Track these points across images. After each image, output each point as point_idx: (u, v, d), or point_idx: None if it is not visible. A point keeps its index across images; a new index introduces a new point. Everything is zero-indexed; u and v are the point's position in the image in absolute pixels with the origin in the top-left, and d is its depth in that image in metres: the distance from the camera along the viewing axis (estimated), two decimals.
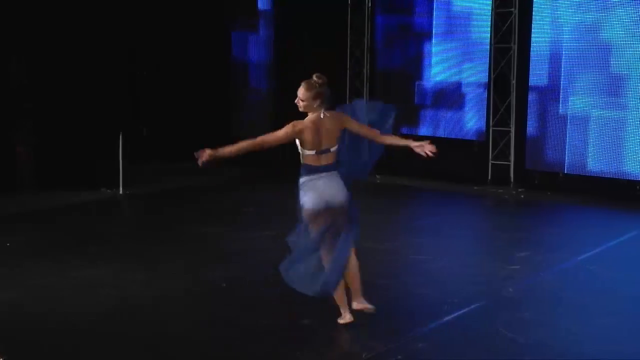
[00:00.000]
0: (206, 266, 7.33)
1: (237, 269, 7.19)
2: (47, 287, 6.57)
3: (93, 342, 5.36)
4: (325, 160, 5.24)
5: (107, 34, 11.33)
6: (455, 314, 5.88)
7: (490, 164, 11.95)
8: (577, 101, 11.10)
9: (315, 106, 5.17)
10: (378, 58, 13.22)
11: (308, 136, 5.16)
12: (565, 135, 11.19)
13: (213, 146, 5.24)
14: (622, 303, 6.31)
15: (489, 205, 11.06)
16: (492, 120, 11.84)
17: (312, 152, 5.21)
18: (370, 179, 12.46)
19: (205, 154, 5.14)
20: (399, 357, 5.04)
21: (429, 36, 12.47)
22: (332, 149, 5.25)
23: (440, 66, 12.47)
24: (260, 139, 5.22)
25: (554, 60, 11.26)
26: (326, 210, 5.24)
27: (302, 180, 5.31)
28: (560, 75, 11.22)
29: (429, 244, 8.44)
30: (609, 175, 10.85)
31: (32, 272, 7.02)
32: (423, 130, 12.60)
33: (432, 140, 13.47)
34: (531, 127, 11.59)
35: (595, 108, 10.92)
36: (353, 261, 5.52)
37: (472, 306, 6.06)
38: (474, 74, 12.11)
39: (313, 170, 5.25)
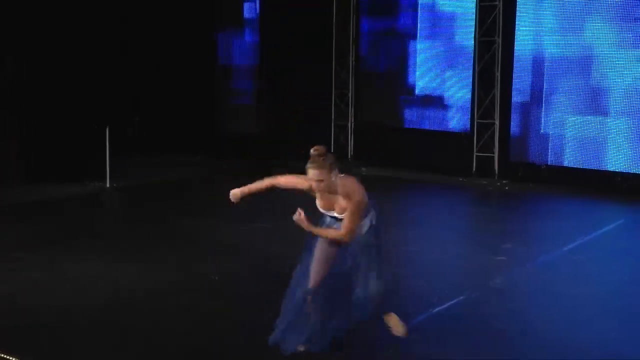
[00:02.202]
0: (198, 259, 7.32)
1: (228, 262, 7.19)
2: (39, 280, 6.57)
3: (87, 335, 5.35)
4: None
5: (95, 30, 11.31)
6: (445, 305, 5.94)
7: (475, 156, 12.05)
8: (560, 94, 11.21)
9: (334, 179, 4.73)
10: (363, 59, 13.31)
11: (319, 201, 4.92)
12: (549, 127, 11.31)
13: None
14: (606, 292, 6.41)
15: (474, 197, 11.16)
16: (477, 113, 11.93)
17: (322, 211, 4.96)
18: (356, 172, 12.55)
19: (236, 194, 5.15)
20: (391, 348, 5.11)
21: (414, 35, 12.54)
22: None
23: (425, 64, 12.54)
24: (275, 180, 5.14)
25: (538, 53, 11.35)
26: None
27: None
28: (543, 68, 11.32)
29: (416, 235, 8.50)
30: (591, 167, 10.98)
31: (23, 265, 7.00)
32: (409, 124, 12.68)
33: (418, 133, 13.71)
34: (515, 120, 11.70)
35: (577, 101, 11.03)
36: None
37: (461, 297, 6.13)
38: (459, 67, 12.19)
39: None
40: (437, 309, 5.87)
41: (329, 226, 4.90)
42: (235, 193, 5.14)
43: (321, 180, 4.69)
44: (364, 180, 4.88)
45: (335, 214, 4.83)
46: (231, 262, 7.21)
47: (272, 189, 5.11)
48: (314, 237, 4.95)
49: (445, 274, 6.99)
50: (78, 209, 9.76)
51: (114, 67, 12.49)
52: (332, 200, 4.82)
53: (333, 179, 4.70)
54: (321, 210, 4.92)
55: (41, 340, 5.24)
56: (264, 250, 7.63)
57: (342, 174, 4.80)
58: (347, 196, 4.73)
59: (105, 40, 11.79)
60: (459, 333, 5.40)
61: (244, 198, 5.12)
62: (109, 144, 10.71)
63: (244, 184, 5.24)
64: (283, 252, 7.38)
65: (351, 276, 4.89)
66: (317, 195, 4.87)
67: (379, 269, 4.93)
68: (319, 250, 4.95)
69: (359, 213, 4.74)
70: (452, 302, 6.02)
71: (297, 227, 4.80)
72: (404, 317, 5.66)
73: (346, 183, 4.77)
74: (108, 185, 10.82)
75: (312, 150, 4.75)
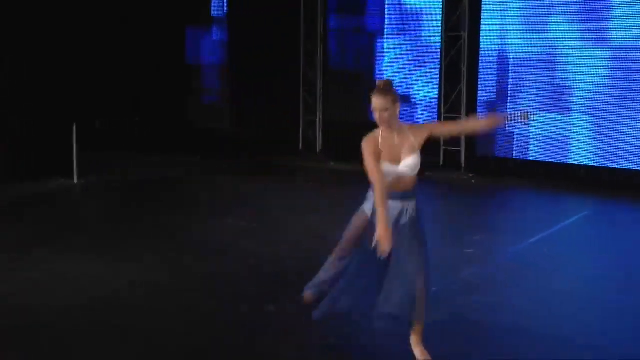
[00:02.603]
0: (178, 256, 7.31)
1: (215, 259, 7.21)
2: (17, 279, 6.47)
3: (71, 334, 5.31)
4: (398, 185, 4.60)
5: (62, 26, 11.18)
6: None
7: (442, 150, 12.18)
8: (525, 90, 11.38)
9: (397, 113, 4.52)
10: (331, 56, 13.38)
11: (384, 153, 4.56)
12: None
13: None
14: (572, 282, 6.55)
15: (442, 191, 11.27)
16: (444, 107, 12.06)
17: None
18: (325, 166, 12.63)
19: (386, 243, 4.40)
20: (364, 342, 5.16)
21: (381, 32, 12.63)
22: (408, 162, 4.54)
23: (392, 61, 12.63)
24: (377, 175, 4.51)
25: (503, 50, 11.51)
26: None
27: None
28: (509, 65, 11.48)
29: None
30: (556, 160, 11.17)
31: (22, 265, 6.90)
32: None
33: None
34: (482, 114, 11.84)
35: (542, 95, 11.21)
36: None
37: (433, 289, 6.19)
38: (426, 63, 12.30)
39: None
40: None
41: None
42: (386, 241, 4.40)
43: (386, 110, 4.46)
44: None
45: (400, 168, 4.48)
46: (210, 260, 7.19)
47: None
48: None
49: None
50: (47, 207, 9.64)
51: (83, 64, 12.37)
52: (397, 148, 4.50)
53: (397, 111, 4.49)
54: (386, 165, 4.48)
55: (27, 340, 5.16)
56: (249, 249, 7.63)
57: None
58: (416, 130, 4.57)
59: (73, 37, 11.64)
60: (432, 327, 5.44)
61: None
62: (75, 139, 10.64)
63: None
64: (274, 252, 7.45)
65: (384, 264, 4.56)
66: (382, 146, 4.50)
67: (420, 264, 4.64)
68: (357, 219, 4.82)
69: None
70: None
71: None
72: None
73: (410, 125, 4.64)
74: (76, 181, 10.74)
75: (378, 81, 4.64)
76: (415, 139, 4.51)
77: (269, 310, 5.78)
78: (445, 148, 12.14)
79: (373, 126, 4.70)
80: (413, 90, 12.46)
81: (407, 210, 4.62)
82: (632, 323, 5.64)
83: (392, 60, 12.59)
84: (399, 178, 4.53)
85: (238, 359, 5.00)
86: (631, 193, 10.27)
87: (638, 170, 10.50)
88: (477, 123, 4.94)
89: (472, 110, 11.84)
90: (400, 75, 12.53)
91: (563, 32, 10.89)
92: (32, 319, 5.52)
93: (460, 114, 11.95)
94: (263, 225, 8.60)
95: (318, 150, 13.64)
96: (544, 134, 11.23)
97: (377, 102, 4.50)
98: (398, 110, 4.51)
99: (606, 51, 10.58)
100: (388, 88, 4.52)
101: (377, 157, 4.51)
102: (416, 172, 4.54)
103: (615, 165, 10.66)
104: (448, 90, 11.97)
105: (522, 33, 11.28)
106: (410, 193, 4.61)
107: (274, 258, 7.32)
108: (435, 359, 4.81)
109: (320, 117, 13.57)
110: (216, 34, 14.38)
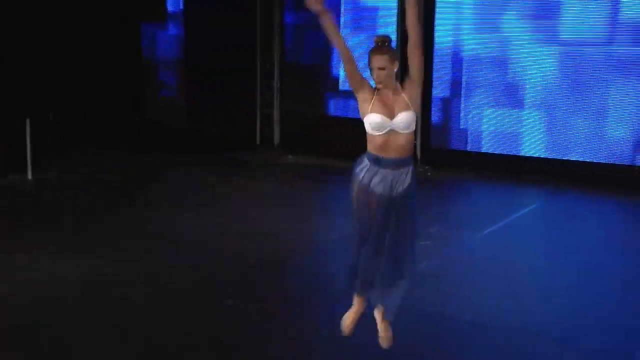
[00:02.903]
0: (137, 250, 7.31)
1: (169, 253, 7.21)
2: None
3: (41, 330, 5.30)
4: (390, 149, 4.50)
5: (15, 19, 11.01)
6: None
7: None
8: (478, 85, 11.55)
9: (395, 71, 4.45)
10: (287, 50, 13.41)
11: (376, 106, 4.48)
12: (468, 116, 11.65)
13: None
14: (526, 273, 6.72)
15: None
16: None
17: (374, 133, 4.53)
18: (283, 160, 12.66)
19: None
20: (325, 334, 5.22)
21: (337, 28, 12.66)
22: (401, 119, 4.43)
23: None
24: (349, 55, 4.52)
25: (457, 43, 11.65)
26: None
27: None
28: (462, 59, 11.62)
29: (342, 222, 8.62)
30: (509, 152, 11.37)
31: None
32: (334, 113, 12.83)
33: (343, 121, 13.80)
34: (436, 107, 11.99)
35: (495, 91, 11.40)
36: None
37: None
38: None
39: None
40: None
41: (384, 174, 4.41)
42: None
43: (383, 69, 4.38)
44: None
45: (394, 122, 4.37)
46: (168, 254, 7.19)
47: (339, 45, 4.57)
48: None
49: None
50: (2, 202, 9.51)
51: (37, 58, 12.16)
52: (391, 104, 4.42)
53: (395, 71, 4.41)
54: (377, 117, 4.40)
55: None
56: (207, 243, 7.64)
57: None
58: (403, 86, 4.46)
59: (27, 32, 11.46)
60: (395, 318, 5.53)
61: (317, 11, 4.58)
62: (29, 134, 10.50)
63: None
64: (232, 246, 7.47)
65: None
66: (375, 99, 4.44)
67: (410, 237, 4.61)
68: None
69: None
70: None
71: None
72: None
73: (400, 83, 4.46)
74: (30, 177, 10.59)
75: (375, 37, 4.49)
76: (409, 96, 4.42)
77: (227, 304, 5.82)
78: None
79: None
80: (370, 83, 12.51)
81: (400, 180, 4.46)
82: (583, 312, 5.80)
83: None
84: (392, 138, 4.38)
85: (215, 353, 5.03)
86: (582, 183, 10.53)
87: (587, 161, 10.76)
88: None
89: (426, 105, 11.96)
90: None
91: (515, 29, 11.06)
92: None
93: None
94: (220, 218, 8.61)
95: (275, 144, 13.65)
96: (498, 127, 11.41)
97: (375, 60, 4.40)
98: (396, 68, 4.43)
99: (556, 48, 10.79)
100: (387, 45, 4.43)
101: (360, 78, 4.50)
102: (411, 129, 4.41)
103: (566, 157, 10.91)
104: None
105: (475, 29, 11.43)
106: (405, 159, 4.47)
107: (232, 252, 7.34)
108: (388, 350, 4.88)
109: (278, 110, 13.59)
110: (172, 29, 14.28)
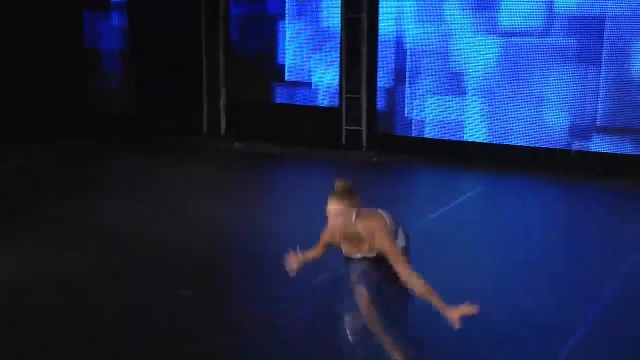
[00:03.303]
0: (82, 243, 7.24)
1: (114, 244, 7.16)
2: None
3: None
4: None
5: None
6: (321, 279, 6.09)
7: (343, 129, 12.41)
8: (423, 68, 11.72)
9: (354, 218, 4.29)
10: (233, 38, 13.37)
11: (344, 246, 4.48)
12: (413, 102, 11.82)
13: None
14: (468, 257, 6.89)
15: (344, 169, 11.49)
16: (345, 88, 12.27)
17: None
18: (229, 147, 12.65)
19: (294, 262, 4.65)
20: (277, 320, 5.30)
21: (282, 15, 12.72)
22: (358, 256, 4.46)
23: (294, 42, 12.74)
24: (323, 240, 4.59)
25: (401, 31, 11.79)
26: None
27: None
28: (406, 46, 11.77)
29: (289, 209, 8.71)
30: (452, 138, 11.59)
31: None
32: (280, 100, 12.87)
33: (289, 108, 13.90)
34: (381, 95, 12.13)
35: (438, 74, 11.58)
36: None
37: (327, 275, 6.33)
38: (328, 44, 12.47)
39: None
40: (311, 282, 6.04)
41: (363, 271, 4.41)
42: (293, 267, 4.66)
43: (339, 215, 4.24)
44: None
45: (365, 254, 4.39)
46: (106, 246, 7.14)
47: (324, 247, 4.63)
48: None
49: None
50: None
51: None
52: (357, 241, 4.39)
53: (353, 217, 4.26)
54: (348, 255, 4.46)
55: None
56: (152, 233, 7.61)
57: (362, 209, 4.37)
58: (370, 233, 4.33)
59: None
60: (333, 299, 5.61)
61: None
62: None
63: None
64: (178, 236, 7.45)
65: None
66: (341, 239, 4.42)
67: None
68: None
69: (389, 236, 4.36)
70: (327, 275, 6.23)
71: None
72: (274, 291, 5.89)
73: (367, 223, 4.33)
74: None
75: (336, 182, 4.33)
76: (368, 239, 4.33)
77: (186, 295, 5.84)
78: (347, 127, 12.36)
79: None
80: (313, 73, 12.61)
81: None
82: (524, 290, 6.01)
83: (293, 43, 12.70)
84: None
85: (164, 341, 5.05)
86: (522, 168, 10.82)
87: (527, 146, 11.06)
88: (428, 291, 4.29)
89: (372, 92, 12.11)
90: (301, 57, 12.65)
91: (457, 19, 11.27)
92: None
93: (360, 95, 12.19)
94: (167, 207, 8.60)
95: (222, 131, 13.64)
96: (441, 114, 11.61)
97: (331, 207, 4.26)
98: (354, 215, 4.27)
99: (496, 37, 11.04)
100: (345, 193, 4.27)
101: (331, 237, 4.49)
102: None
103: (506, 142, 11.18)
104: (349, 71, 12.19)
105: (418, 17, 11.59)
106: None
107: (180, 240, 7.34)
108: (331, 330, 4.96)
109: (224, 98, 13.57)
110: (116, 19, 14.11)
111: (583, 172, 10.44)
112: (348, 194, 4.26)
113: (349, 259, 4.48)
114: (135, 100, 14.11)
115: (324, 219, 6.70)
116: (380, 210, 4.48)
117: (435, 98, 11.63)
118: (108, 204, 8.79)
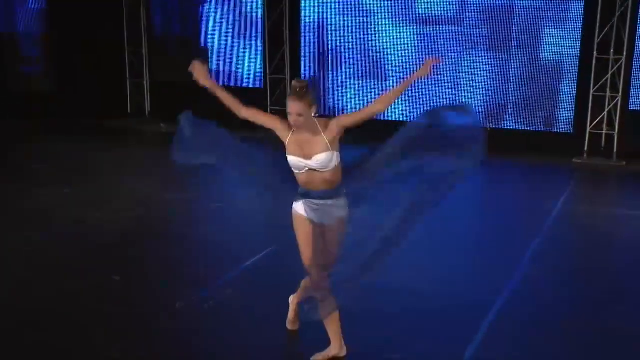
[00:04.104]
0: (7, 229, 7.14)
1: (40, 230, 7.08)
2: None
3: None
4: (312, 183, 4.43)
5: None
6: (253, 260, 6.29)
7: (269, 110, 12.46)
8: (345, 47, 11.89)
9: (313, 115, 4.33)
10: (155, 23, 13.22)
11: (292, 146, 4.39)
12: (337, 79, 12.00)
13: None
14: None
15: (271, 151, 11.56)
16: (269, 69, 12.32)
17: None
18: (155, 129, 12.55)
19: (200, 69, 4.51)
20: (211, 302, 5.38)
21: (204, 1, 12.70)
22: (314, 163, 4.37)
23: (217, 25, 12.70)
24: (246, 111, 4.53)
25: (322, 21, 11.94)
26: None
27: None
28: (328, 28, 11.90)
29: (219, 190, 8.75)
30: (382, 118, 11.79)
31: None
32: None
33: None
34: (305, 73, 12.25)
35: (360, 62, 11.79)
36: None
37: (266, 251, 6.48)
38: (251, 26, 12.49)
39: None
40: (246, 264, 6.20)
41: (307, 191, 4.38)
42: (199, 71, 4.53)
43: (300, 115, 4.24)
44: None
45: (310, 163, 4.33)
46: (46, 231, 7.07)
47: (237, 112, 4.56)
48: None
49: (251, 227, 7.30)
50: None
51: None
52: (307, 145, 4.34)
53: (312, 114, 4.30)
54: (292, 158, 4.36)
55: None
56: (76, 217, 7.54)
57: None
58: (327, 126, 4.34)
59: None
60: (269, 284, 5.72)
61: (206, 87, 4.54)
62: None
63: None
64: (99, 218, 7.39)
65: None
66: (290, 139, 4.37)
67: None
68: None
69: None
70: (259, 256, 6.36)
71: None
72: (218, 272, 5.97)
73: (323, 120, 4.38)
74: None
75: (294, 82, 4.33)
76: (327, 136, 4.33)
77: (115, 279, 5.85)
78: (272, 108, 12.42)
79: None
80: (236, 55, 12.62)
81: (329, 210, 4.43)
82: (447, 270, 6.25)
83: (216, 25, 12.67)
84: (312, 175, 4.38)
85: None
86: None
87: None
88: (396, 91, 4.43)
89: (296, 73, 12.20)
90: (224, 39, 12.63)
91: (376, 7, 11.50)
92: None
93: (285, 75, 12.26)
94: (87, 191, 8.54)
95: (147, 112, 13.50)
96: (363, 99, 11.83)
97: (292, 106, 4.26)
98: (314, 112, 4.32)
99: (414, 23, 11.37)
100: (304, 92, 4.27)
101: (270, 121, 4.46)
102: (330, 168, 4.35)
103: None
104: (272, 52, 12.24)
105: (338, 8, 11.77)
106: (331, 192, 4.42)
107: (106, 223, 7.31)
108: (278, 315, 5.08)
109: (148, 79, 13.42)
110: (33, 3, 13.74)
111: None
112: (308, 93, 4.28)
113: (307, 194, 4.40)
114: (56, 82, 13.78)
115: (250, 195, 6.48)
116: None
117: (356, 82, 11.86)
118: (31, 187, 8.64)
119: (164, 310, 5.32)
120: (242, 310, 5.35)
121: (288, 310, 5.01)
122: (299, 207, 4.49)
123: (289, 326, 5.01)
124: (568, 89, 10.82)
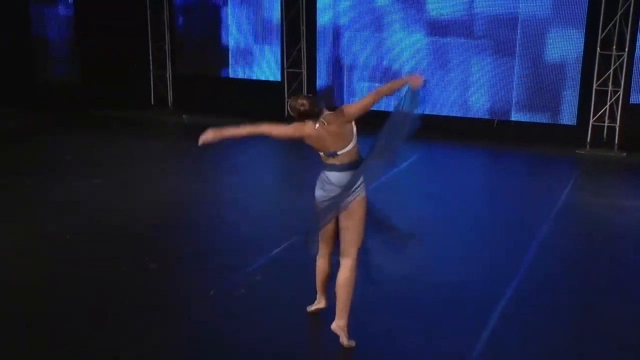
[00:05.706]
0: (42, 219, 7.24)
1: (74, 221, 7.16)
2: None
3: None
4: (339, 160, 4.63)
5: None
6: (279, 249, 6.42)
7: (286, 103, 12.60)
8: (357, 62, 12.02)
9: (325, 116, 4.58)
10: (178, 28, 13.38)
11: (315, 144, 4.63)
12: (352, 75, 12.13)
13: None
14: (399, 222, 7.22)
15: (289, 143, 11.65)
16: (286, 63, 12.45)
17: (321, 153, 4.69)
18: (177, 120, 12.67)
19: (209, 135, 4.63)
20: (243, 290, 5.56)
21: (225, 3, 12.83)
22: (344, 150, 4.62)
23: (237, 21, 12.83)
24: (266, 128, 4.62)
25: (336, 25, 12.06)
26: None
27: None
28: (342, 27, 12.02)
29: (240, 182, 8.89)
30: (387, 109, 11.92)
31: None
32: (226, 74, 12.98)
33: (236, 82, 13.90)
34: (320, 69, 12.37)
35: (372, 61, 11.92)
36: (342, 275, 4.80)
37: (289, 241, 6.52)
38: (269, 22, 12.62)
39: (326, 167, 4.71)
40: (273, 252, 6.33)
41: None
42: (208, 137, 4.64)
43: (316, 125, 4.49)
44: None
45: (344, 150, 4.58)
46: (77, 221, 7.19)
47: (260, 135, 4.68)
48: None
49: (271, 219, 7.43)
50: None
51: None
52: (334, 136, 4.56)
53: (325, 117, 4.52)
54: (328, 153, 4.58)
55: None
56: (108, 207, 7.67)
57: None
58: (343, 114, 4.57)
59: None
60: (295, 272, 5.82)
61: (221, 140, 4.67)
62: None
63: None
64: (129, 210, 7.52)
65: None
66: (315, 140, 4.58)
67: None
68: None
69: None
70: (284, 245, 6.46)
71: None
72: (246, 260, 6.13)
73: (333, 113, 4.59)
74: None
75: (300, 108, 4.50)
76: (343, 127, 4.56)
77: (151, 268, 5.99)
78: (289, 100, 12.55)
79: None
80: (257, 51, 12.76)
81: (354, 180, 4.63)
82: (458, 261, 6.40)
83: (236, 18, 12.82)
84: (340, 156, 4.60)
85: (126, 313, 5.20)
86: (452, 137, 11.29)
87: (456, 116, 11.55)
88: (388, 88, 4.79)
89: (312, 67, 12.33)
90: (245, 37, 12.78)
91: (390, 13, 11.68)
92: None
93: (302, 69, 12.39)
94: (116, 182, 8.62)
95: (170, 104, 13.67)
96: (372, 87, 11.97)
97: (310, 126, 4.53)
98: (325, 113, 4.54)
99: (425, 22, 11.48)
100: (313, 111, 4.51)
101: (293, 134, 4.58)
102: (354, 145, 4.63)
103: (439, 113, 11.64)
104: (290, 46, 12.38)
105: (352, 12, 11.91)
106: (357, 162, 4.67)
107: (130, 214, 7.39)
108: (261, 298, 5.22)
109: (170, 71, 13.58)
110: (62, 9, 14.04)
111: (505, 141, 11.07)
112: (313, 107, 4.49)
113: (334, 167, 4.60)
114: (82, 75, 13.98)
115: (268, 187, 6.46)
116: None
117: (371, 73, 11.99)
118: (58, 178, 8.71)
119: (200, 296, 5.46)
120: (270, 296, 5.50)
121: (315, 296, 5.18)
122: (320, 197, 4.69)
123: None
124: (572, 84, 10.96)
